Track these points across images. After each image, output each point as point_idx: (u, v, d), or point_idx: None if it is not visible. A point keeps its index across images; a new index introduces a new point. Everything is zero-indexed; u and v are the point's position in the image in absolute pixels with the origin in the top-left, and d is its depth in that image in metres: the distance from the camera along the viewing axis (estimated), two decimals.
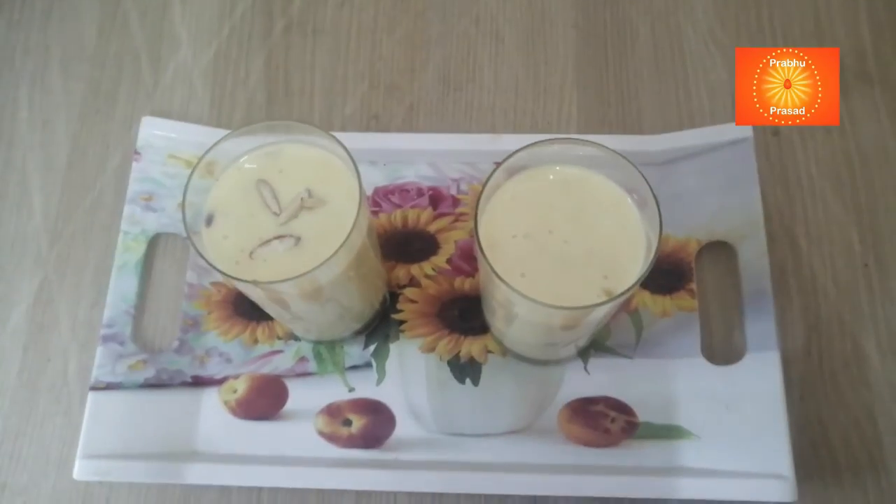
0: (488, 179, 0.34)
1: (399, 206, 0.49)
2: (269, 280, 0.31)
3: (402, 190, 0.49)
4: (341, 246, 0.32)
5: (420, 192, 0.49)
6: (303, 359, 0.45)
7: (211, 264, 0.32)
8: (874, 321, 0.45)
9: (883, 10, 0.53)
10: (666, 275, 0.46)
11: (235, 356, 0.45)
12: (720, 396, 0.43)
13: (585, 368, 0.44)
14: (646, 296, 0.46)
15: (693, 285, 0.46)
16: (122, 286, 0.46)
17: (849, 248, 0.47)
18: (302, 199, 0.34)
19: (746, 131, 0.47)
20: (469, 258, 0.47)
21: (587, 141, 0.34)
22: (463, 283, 0.46)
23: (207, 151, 0.34)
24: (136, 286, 0.47)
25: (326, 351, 0.45)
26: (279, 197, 0.35)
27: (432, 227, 0.48)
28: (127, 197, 0.48)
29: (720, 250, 0.46)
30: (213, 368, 0.45)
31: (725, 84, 0.51)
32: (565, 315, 0.33)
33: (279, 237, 0.34)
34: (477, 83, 0.52)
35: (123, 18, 0.55)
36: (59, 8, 0.56)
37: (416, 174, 0.49)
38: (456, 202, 0.49)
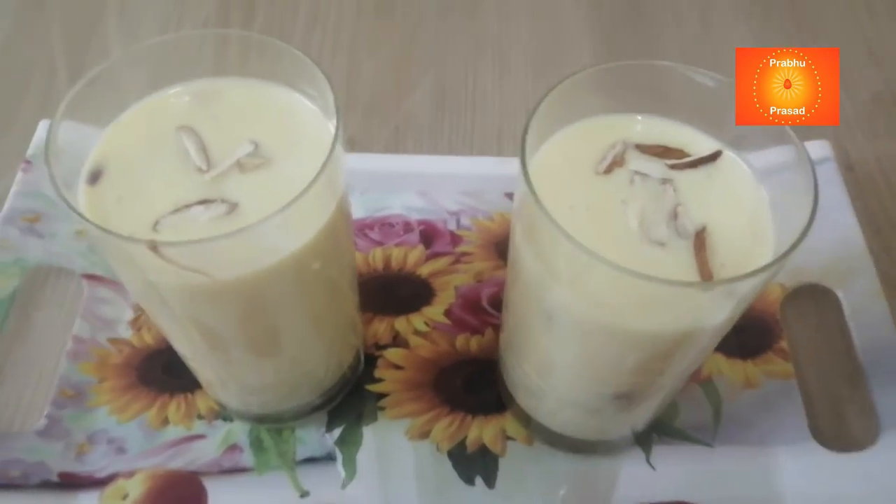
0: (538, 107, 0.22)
1: (380, 244, 0.36)
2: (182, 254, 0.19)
3: (385, 224, 0.37)
4: (295, 201, 0.19)
5: (408, 227, 0.37)
6: (234, 447, 0.31)
7: (83, 216, 0.19)
8: None
9: None
10: (743, 332, 0.33)
11: (132, 444, 0.30)
12: (849, 496, 0.29)
13: (648, 461, 0.31)
14: (719, 359, 0.33)
15: (784, 344, 0.33)
16: None
17: None
18: (240, 158, 0.22)
19: (825, 149, 0.37)
20: (476, 309, 0.34)
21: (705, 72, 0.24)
22: (468, 343, 0.33)
23: (110, 63, 0.23)
24: None
25: (270, 436, 0.31)
26: (209, 150, 0.23)
27: (424, 270, 0.36)
28: (2, 214, 0.35)
29: (813, 296, 0.35)
30: (97, 462, 0.30)
31: None
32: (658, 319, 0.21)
33: (204, 201, 0.21)
34: (478, 107, 0.42)
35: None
36: None
37: (402, 205, 0.37)
38: (456, 240, 0.37)
